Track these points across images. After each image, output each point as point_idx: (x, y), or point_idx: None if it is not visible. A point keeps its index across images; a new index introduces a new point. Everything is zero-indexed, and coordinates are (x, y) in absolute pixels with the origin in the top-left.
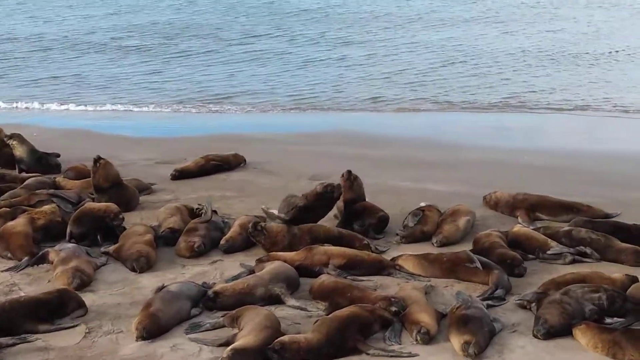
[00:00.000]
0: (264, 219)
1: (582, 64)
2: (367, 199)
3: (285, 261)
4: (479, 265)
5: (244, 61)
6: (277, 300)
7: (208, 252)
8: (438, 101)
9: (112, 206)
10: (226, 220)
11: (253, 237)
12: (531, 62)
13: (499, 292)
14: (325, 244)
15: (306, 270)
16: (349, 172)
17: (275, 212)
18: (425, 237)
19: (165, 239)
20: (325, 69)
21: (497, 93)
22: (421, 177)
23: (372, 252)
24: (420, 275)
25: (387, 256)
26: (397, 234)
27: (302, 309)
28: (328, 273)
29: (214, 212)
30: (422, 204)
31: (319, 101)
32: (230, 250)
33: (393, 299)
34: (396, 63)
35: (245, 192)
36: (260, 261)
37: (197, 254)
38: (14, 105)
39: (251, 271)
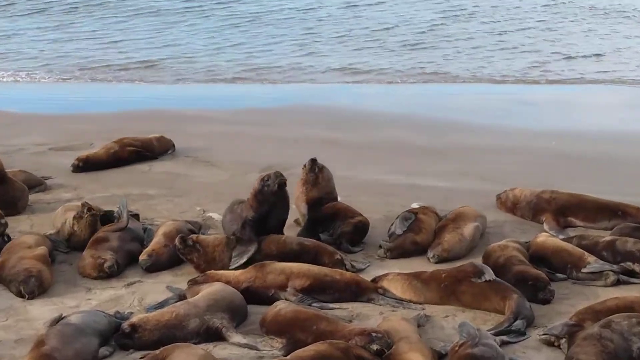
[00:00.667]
0: (198, 226)
1: (630, 22)
2: (339, 199)
3: (227, 283)
4: (491, 276)
5: (176, 13)
6: (216, 336)
7: (123, 270)
8: (438, 71)
9: None
10: (148, 227)
11: (182, 254)
12: (565, 13)
13: (517, 323)
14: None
15: (257, 295)
16: (313, 161)
17: (216, 215)
18: (418, 250)
19: (72, 233)
20: (286, 22)
21: (515, 59)
22: (413, 169)
23: (347, 270)
24: (411, 302)
25: (367, 276)
26: (381, 246)
27: (250, 347)
28: (286, 299)
29: (132, 216)
30: (415, 205)
31: (276, 68)
32: (153, 267)
33: (374, 334)
34: (384, 16)
35: (174, 189)
36: (194, 283)
37: (107, 274)
38: None
39: (181, 296)
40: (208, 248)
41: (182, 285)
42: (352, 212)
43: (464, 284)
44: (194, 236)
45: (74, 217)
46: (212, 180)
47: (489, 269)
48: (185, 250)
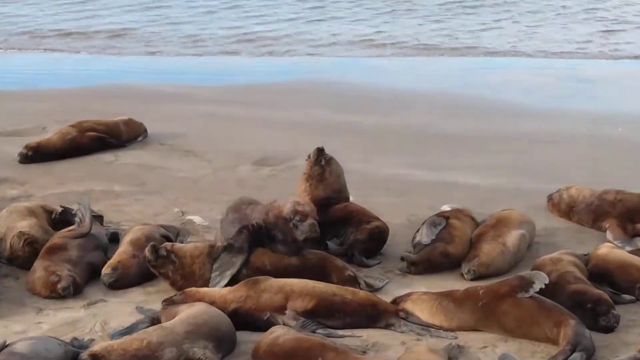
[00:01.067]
0: (175, 232)
1: None
2: (351, 199)
3: (212, 303)
4: (544, 282)
5: None
6: None
7: (83, 288)
8: (473, 43)
9: None
10: (115, 231)
11: (154, 267)
12: None
13: (575, 357)
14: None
15: (248, 319)
16: (320, 151)
17: (197, 219)
18: (449, 263)
19: (13, 258)
20: None
21: (573, 28)
22: (443, 162)
23: (360, 288)
24: (440, 328)
25: (386, 296)
26: (403, 258)
27: None
28: (285, 324)
29: (95, 218)
30: (446, 208)
31: (273, 37)
32: (119, 283)
33: None
34: None
35: (145, 185)
36: (170, 303)
37: (60, 295)
38: None
39: (154, 320)
40: (185, 259)
41: (156, 305)
42: (367, 216)
43: (506, 302)
44: (167, 244)
45: (14, 240)
46: (192, 174)
47: (542, 274)
48: (158, 262)
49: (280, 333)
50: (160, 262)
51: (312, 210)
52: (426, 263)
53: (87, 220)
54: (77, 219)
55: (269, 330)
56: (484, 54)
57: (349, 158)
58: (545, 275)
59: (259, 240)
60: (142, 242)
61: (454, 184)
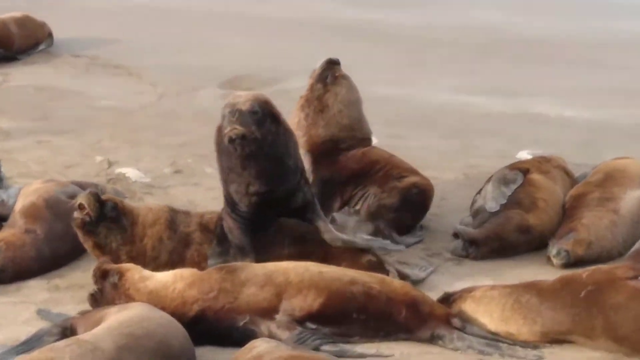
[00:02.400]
0: (97, 188)
1: None
2: (374, 141)
3: (162, 301)
4: None
5: None
6: None
7: None
8: None
9: None
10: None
11: (89, 234)
12: None
13: None
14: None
15: (217, 328)
16: (331, 63)
17: (133, 172)
18: (530, 241)
19: None
20: None
21: None
22: (519, 84)
23: (393, 278)
24: (515, 342)
25: (432, 292)
26: (458, 235)
27: None
28: (272, 335)
29: None
30: (524, 155)
31: None
32: (6, 274)
33: None
34: None
35: (52, 120)
36: (93, 301)
37: None
38: None
39: (67, 329)
40: (137, 227)
41: (68, 307)
42: (398, 168)
43: (624, 290)
44: (117, 199)
45: None
46: (125, 104)
47: None
48: (99, 227)
49: (265, 350)
50: (104, 227)
51: (247, 100)
52: (494, 241)
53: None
54: None
55: (248, 346)
56: None
57: (372, 78)
58: None
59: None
60: (39, 210)
61: (538, 118)
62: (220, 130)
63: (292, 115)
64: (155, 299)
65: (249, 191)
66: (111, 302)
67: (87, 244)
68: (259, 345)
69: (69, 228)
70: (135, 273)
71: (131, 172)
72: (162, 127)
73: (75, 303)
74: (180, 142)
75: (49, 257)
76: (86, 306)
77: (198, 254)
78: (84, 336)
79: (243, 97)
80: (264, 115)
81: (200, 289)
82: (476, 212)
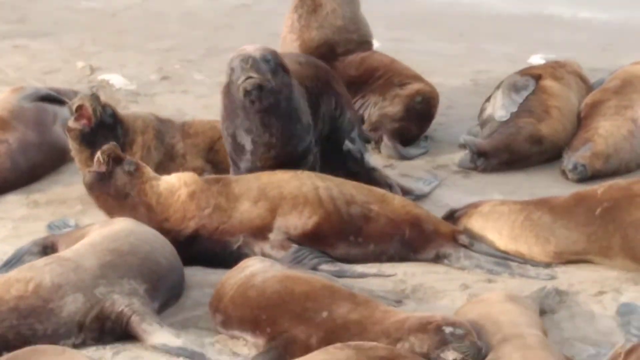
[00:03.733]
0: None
1: None
2: (375, 46)
3: (165, 207)
4: None
5: None
6: (120, 330)
7: None
8: None
9: None
10: None
11: (79, 137)
12: None
13: None
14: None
15: (209, 248)
16: None
17: (117, 79)
18: (542, 152)
19: None
20: None
21: None
22: None
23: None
24: (527, 260)
25: (437, 207)
26: (465, 144)
27: (189, 355)
28: (266, 255)
29: None
30: (537, 59)
31: None
32: None
33: (450, 329)
34: None
35: (29, 21)
36: (98, 180)
37: None
38: None
39: (47, 247)
40: (128, 135)
41: (45, 224)
42: (401, 75)
43: None
44: (108, 103)
45: None
46: (108, 3)
47: None
48: (94, 134)
49: (258, 269)
50: (101, 137)
51: (257, 49)
52: (503, 152)
53: None
54: None
55: (240, 265)
56: None
57: None
58: None
59: None
60: (6, 122)
61: (551, 20)
62: (227, 89)
63: (286, 18)
64: (163, 204)
65: (270, 154)
66: (121, 189)
67: (81, 155)
68: (252, 265)
69: (43, 135)
70: (148, 169)
71: (115, 79)
72: (147, 30)
73: (55, 219)
74: (167, 47)
75: (24, 167)
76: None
77: (182, 169)
78: (65, 253)
79: (252, 47)
80: (277, 65)
81: (198, 203)
82: (485, 121)
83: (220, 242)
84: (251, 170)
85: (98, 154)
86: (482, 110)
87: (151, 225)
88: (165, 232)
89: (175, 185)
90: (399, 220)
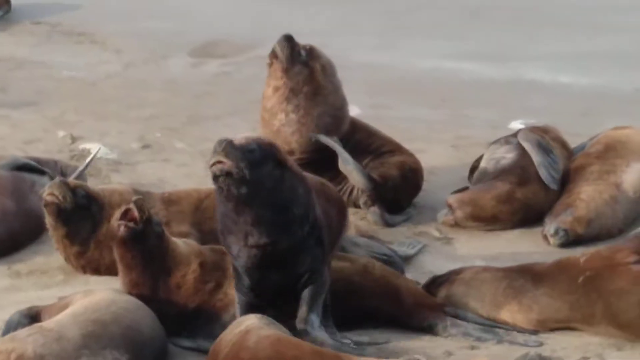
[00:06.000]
0: (55, 169)
1: None
2: (356, 112)
3: (166, 277)
4: None
5: None
6: None
7: None
8: None
9: None
10: None
11: (59, 219)
12: None
13: None
14: None
15: (204, 320)
16: (289, 40)
17: (97, 149)
18: (510, 212)
19: None
20: None
21: None
22: (512, 47)
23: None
24: (512, 327)
25: (419, 274)
26: (449, 204)
27: None
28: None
29: None
30: (518, 125)
31: None
32: None
33: None
34: None
35: (10, 92)
36: (129, 234)
37: None
38: None
39: (33, 317)
40: (104, 210)
41: (30, 294)
42: (384, 144)
43: (625, 276)
44: (83, 184)
45: None
46: (90, 74)
47: None
48: (71, 214)
49: (254, 325)
50: (77, 216)
51: (244, 137)
52: (467, 205)
53: None
54: None
55: (238, 320)
56: None
57: (353, 43)
58: None
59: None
60: None
61: (531, 85)
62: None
63: (268, 119)
64: (178, 270)
65: (248, 243)
66: (151, 251)
67: (57, 233)
68: (248, 320)
69: (20, 204)
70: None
71: (96, 148)
72: (129, 99)
73: (37, 289)
74: (148, 115)
75: (4, 235)
76: (50, 292)
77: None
78: (48, 324)
79: (241, 135)
80: (264, 157)
81: (204, 277)
82: (478, 179)
83: (214, 316)
84: (246, 267)
85: (131, 205)
86: (474, 169)
87: (162, 290)
88: (173, 301)
89: (190, 252)
90: (383, 289)
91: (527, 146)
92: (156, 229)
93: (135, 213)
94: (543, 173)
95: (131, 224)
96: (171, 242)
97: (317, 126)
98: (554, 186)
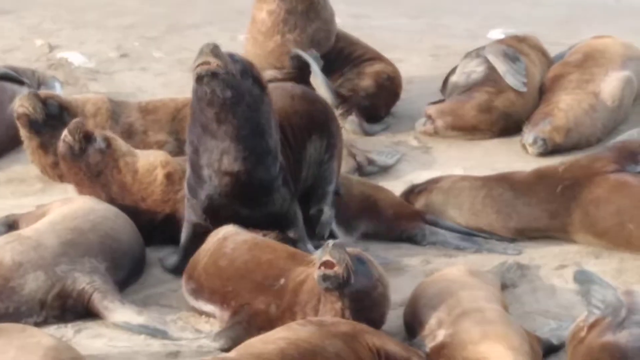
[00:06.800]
0: (33, 80)
1: None
2: (338, 22)
3: (142, 187)
4: None
5: None
6: (82, 309)
7: None
8: None
9: None
10: None
11: (34, 130)
12: None
13: None
14: None
15: (179, 229)
16: None
17: (76, 57)
18: (489, 121)
19: None
20: None
21: None
22: None
23: (360, 166)
24: (490, 235)
25: (397, 182)
26: (428, 114)
27: (152, 333)
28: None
29: None
30: (497, 34)
31: None
32: None
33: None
34: None
35: None
36: (70, 154)
37: None
38: None
39: (10, 225)
40: (77, 116)
41: (10, 202)
42: (367, 53)
43: (603, 184)
44: (54, 94)
45: None
46: None
47: None
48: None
49: (231, 231)
50: (49, 126)
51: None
52: (448, 115)
53: None
54: None
55: (213, 233)
56: None
57: None
58: None
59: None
60: None
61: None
62: (194, 92)
63: (262, 40)
64: (140, 182)
65: (222, 165)
66: (94, 167)
67: (31, 143)
68: (224, 228)
69: (0, 114)
70: (121, 143)
71: (74, 57)
72: (107, 7)
73: (15, 198)
74: (126, 24)
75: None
76: (28, 200)
77: (143, 145)
78: (26, 232)
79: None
80: (246, 71)
81: (173, 186)
82: (451, 91)
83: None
84: (211, 197)
85: (65, 132)
86: (447, 81)
87: (125, 204)
88: (140, 212)
89: (153, 164)
90: (359, 208)
91: (492, 58)
92: (98, 145)
93: (69, 136)
94: (510, 80)
95: (68, 139)
96: (126, 156)
97: (312, 42)
98: (523, 89)
